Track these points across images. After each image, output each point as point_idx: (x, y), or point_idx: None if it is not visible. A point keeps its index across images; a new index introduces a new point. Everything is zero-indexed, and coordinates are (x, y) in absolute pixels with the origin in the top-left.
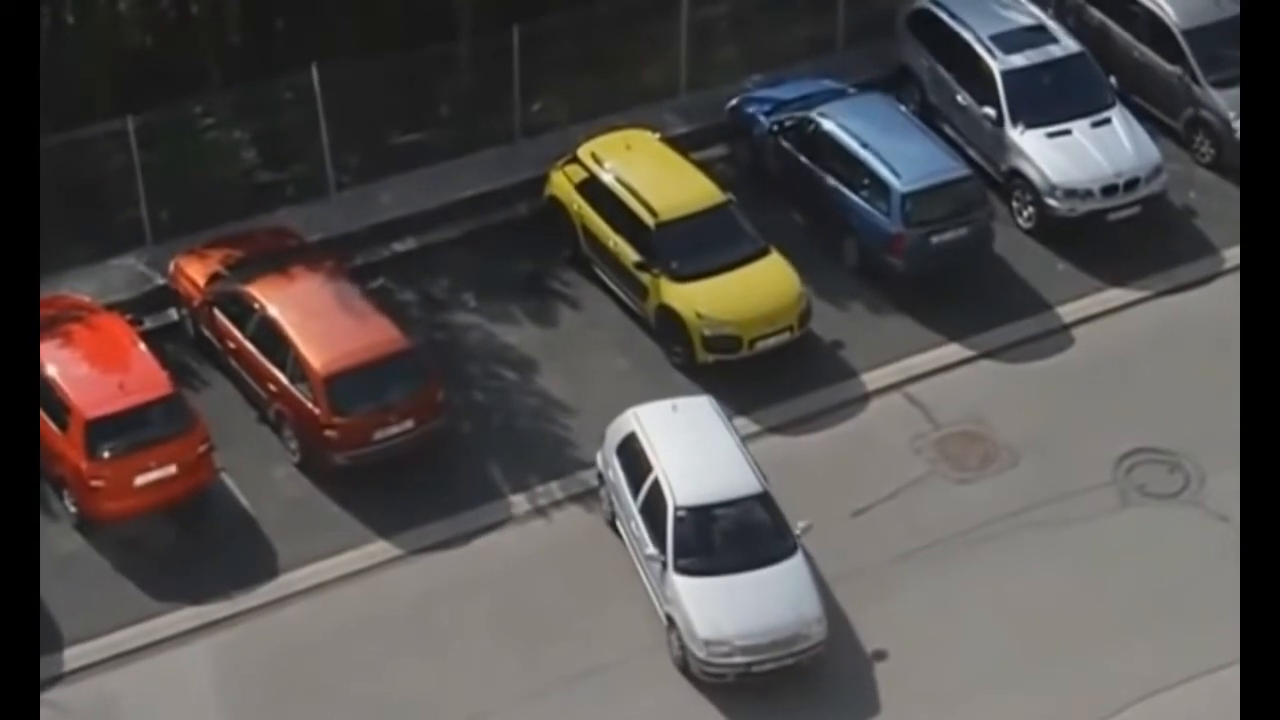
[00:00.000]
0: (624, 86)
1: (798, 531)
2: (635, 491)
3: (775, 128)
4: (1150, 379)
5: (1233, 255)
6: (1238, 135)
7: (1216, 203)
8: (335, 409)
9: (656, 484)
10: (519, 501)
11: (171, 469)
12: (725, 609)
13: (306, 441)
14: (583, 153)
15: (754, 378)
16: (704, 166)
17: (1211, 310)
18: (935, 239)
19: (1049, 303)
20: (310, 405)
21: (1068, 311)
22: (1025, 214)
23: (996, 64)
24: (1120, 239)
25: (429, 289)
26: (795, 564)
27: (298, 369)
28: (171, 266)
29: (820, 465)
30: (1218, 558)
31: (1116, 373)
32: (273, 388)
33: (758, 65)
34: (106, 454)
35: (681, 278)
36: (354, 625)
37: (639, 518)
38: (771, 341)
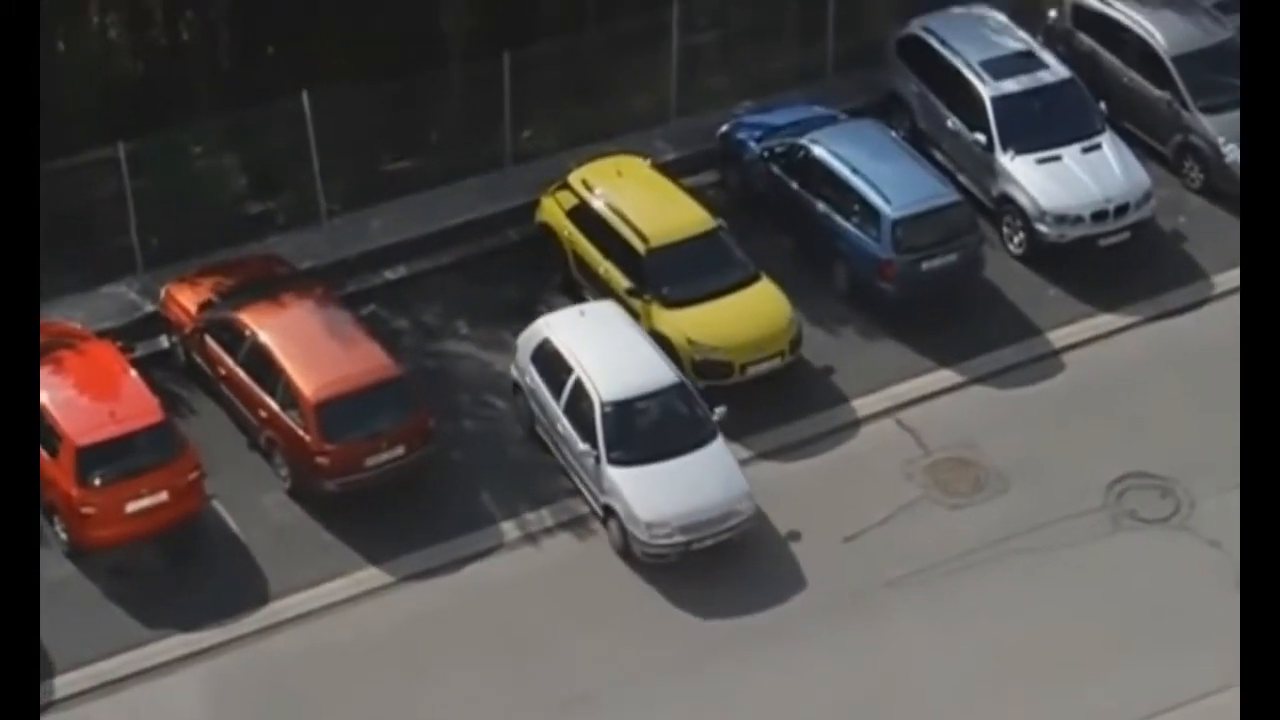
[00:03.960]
0: (614, 113)
1: (715, 417)
2: (557, 393)
3: (766, 154)
4: (1141, 404)
5: (1223, 280)
6: (1226, 160)
7: (1206, 228)
8: (326, 436)
9: (579, 383)
10: (509, 528)
11: (162, 496)
12: (662, 493)
13: (297, 468)
14: (573, 179)
15: (745, 404)
16: (695, 192)
17: (1202, 335)
18: (926, 265)
19: (1039, 328)
20: (301, 432)
21: (1058, 337)
22: (1016, 240)
23: (986, 90)
24: (1110, 264)
25: (420, 316)
26: (718, 447)
27: (288, 395)
28: (162, 293)
29: (812, 491)
30: (1209, 583)
31: (1107, 398)
32: (263, 414)
33: (748, 92)
34: (98, 481)
35: (672, 304)
36: (345, 653)
37: (565, 419)
38: (762, 367)
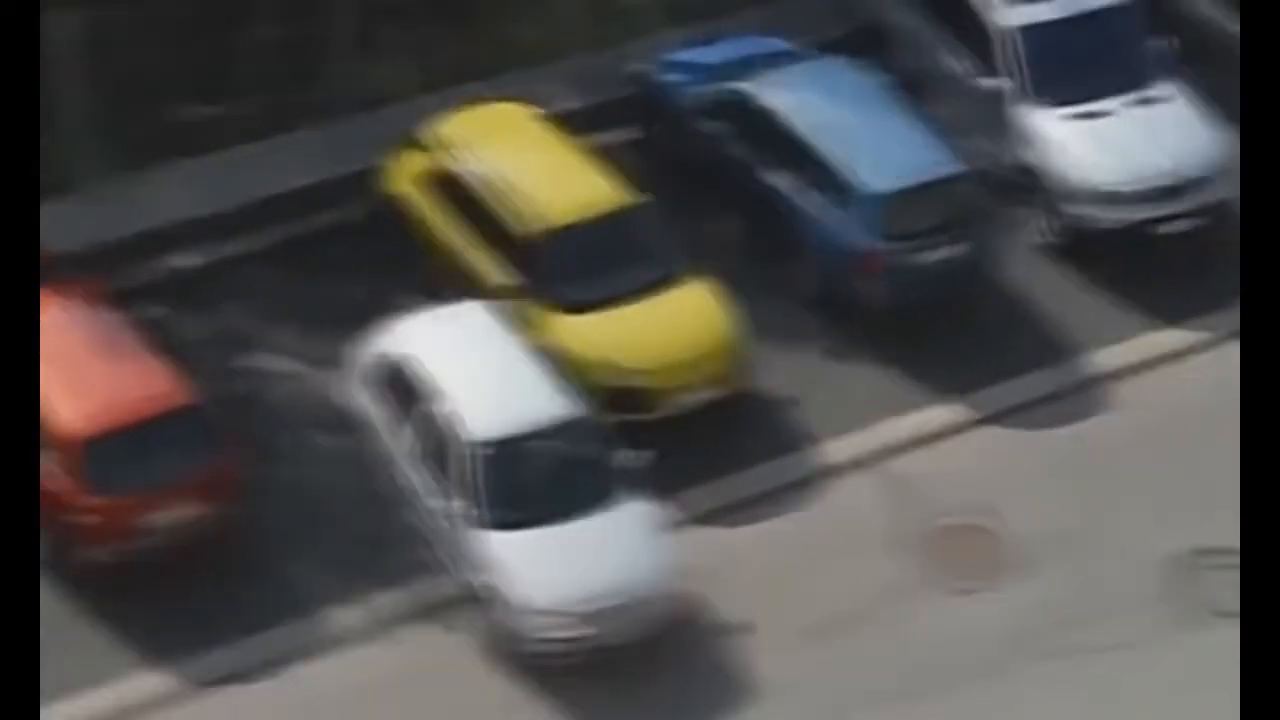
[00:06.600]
0: (492, 43)
1: (632, 464)
2: (410, 429)
3: (701, 104)
4: (1218, 452)
5: None
6: None
7: None
8: (92, 485)
9: (441, 415)
10: (345, 618)
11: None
12: (556, 568)
13: (52, 530)
14: (432, 136)
15: (673, 448)
16: (602, 156)
17: None
18: (920, 258)
19: (1079, 347)
20: (57, 480)
21: (1105, 359)
22: (1045, 225)
23: (1005, 17)
24: (1177, 260)
25: (223, 322)
26: (634, 506)
27: None
28: None
29: (764, 569)
30: None
31: (1172, 443)
32: None
33: (678, 16)
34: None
35: (571, 309)
36: None
37: (420, 464)
38: (697, 398)
